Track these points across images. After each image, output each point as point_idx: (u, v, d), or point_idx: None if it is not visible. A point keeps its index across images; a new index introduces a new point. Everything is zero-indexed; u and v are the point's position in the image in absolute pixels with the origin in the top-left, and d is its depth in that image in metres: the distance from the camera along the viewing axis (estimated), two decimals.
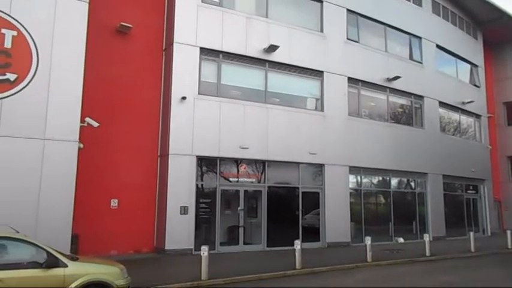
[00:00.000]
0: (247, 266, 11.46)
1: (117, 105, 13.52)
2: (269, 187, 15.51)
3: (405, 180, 20.16)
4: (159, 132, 14.43)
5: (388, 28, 20.01)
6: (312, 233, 16.08)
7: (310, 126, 16.49)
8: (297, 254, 11.10)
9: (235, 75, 15.78)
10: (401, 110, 20.57)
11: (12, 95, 10.72)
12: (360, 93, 18.57)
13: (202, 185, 14.41)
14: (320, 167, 16.71)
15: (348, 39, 18.22)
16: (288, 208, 16.00)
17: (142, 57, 14.43)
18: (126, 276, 7.17)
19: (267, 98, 15.96)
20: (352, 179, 17.75)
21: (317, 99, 17.34)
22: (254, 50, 15.64)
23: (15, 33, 10.85)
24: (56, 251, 6.71)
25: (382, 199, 19.25)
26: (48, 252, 6.51)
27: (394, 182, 19.51)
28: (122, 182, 13.36)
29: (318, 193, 16.56)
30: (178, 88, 14.01)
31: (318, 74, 17.23)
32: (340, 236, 16.39)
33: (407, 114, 20.64)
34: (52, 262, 6.45)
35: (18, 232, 6.80)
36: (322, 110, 17.14)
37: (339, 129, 17.22)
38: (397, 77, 19.09)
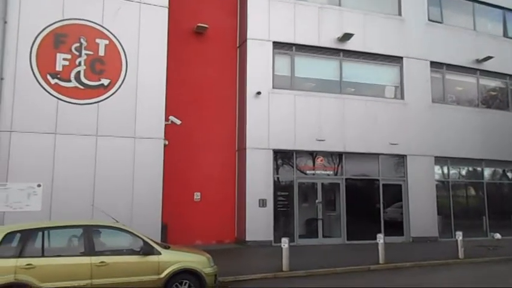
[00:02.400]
0: (327, 259, 11.36)
1: (196, 103, 14.20)
2: (347, 179, 15.15)
3: (500, 170, 18.28)
4: (236, 127, 14.86)
5: (476, 4, 18.22)
6: (395, 227, 15.39)
7: (389, 115, 15.73)
8: (380, 248, 10.72)
9: (309, 67, 15.62)
10: (494, 93, 18.66)
11: (106, 98, 11.84)
12: (445, 77, 17.22)
13: (279, 178, 14.57)
14: (402, 158, 15.88)
15: (429, 20, 16.97)
16: (367, 201, 15.49)
17: (218, 55, 14.93)
18: (212, 265, 7.54)
19: (343, 88, 15.56)
20: (437, 170, 16.59)
21: (396, 87, 16.46)
22: (327, 40, 15.32)
23: (107, 42, 11.94)
24: (151, 239, 7.29)
25: (473, 191, 17.72)
26: (144, 241, 7.10)
27: (487, 172, 17.78)
28: (204, 176, 14.04)
29: (400, 185, 15.76)
30: (252, 83, 14.28)
31: (396, 60, 16.34)
32: (426, 231, 15.44)
33: (502, 98, 18.65)
34: (148, 250, 7.01)
35: (117, 222, 7.51)
36: (402, 97, 16.24)
37: (421, 117, 16.17)
38: (488, 57, 17.32)
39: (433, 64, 16.74)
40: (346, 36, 15.20)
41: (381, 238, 10.80)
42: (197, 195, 14.03)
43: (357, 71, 16.03)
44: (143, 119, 12.08)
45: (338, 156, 15.30)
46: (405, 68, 16.29)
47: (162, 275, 6.93)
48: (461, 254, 11.65)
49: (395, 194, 15.72)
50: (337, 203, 15.05)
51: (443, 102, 16.96)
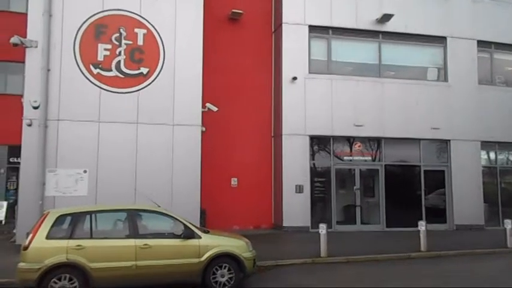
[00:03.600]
0: (366, 246, 11.21)
1: (232, 89, 14.24)
2: (386, 165, 14.76)
3: None
4: (272, 113, 14.81)
5: None
6: (437, 214, 14.88)
7: (431, 98, 15.08)
8: (422, 236, 10.42)
9: (346, 50, 15.21)
10: None
11: (145, 86, 12.14)
12: (493, 57, 16.22)
13: (315, 164, 14.43)
14: (445, 143, 15.24)
15: None
16: (408, 187, 15.04)
17: (253, 41, 14.84)
18: (251, 250, 7.63)
19: (382, 71, 15.05)
20: (484, 155, 15.79)
21: (439, 69, 15.71)
22: (365, 22, 14.81)
23: (145, 31, 12.18)
24: (191, 223, 7.47)
25: None
26: (184, 225, 7.28)
27: None
28: (240, 162, 14.16)
29: (443, 171, 15.16)
30: (288, 69, 14.12)
31: (439, 40, 15.56)
32: (470, 218, 14.81)
33: None
34: (189, 234, 7.19)
35: (159, 206, 7.74)
36: (445, 80, 15.50)
37: (466, 100, 15.37)
38: None
39: (480, 43, 15.80)
40: (386, 17, 14.62)
41: (422, 225, 10.50)
42: (234, 181, 14.19)
43: (397, 54, 15.44)
44: (181, 106, 12.30)
45: (376, 142, 14.91)
46: (449, 49, 15.49)
47: (203, 258, 7.09)
48: (510, 243, 11.10)
49: (438, 180, 15.16)
50: (376, 189, 14.74)
51: (490, 84, 16.02)
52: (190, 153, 12.26)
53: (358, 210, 14.35)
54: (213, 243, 7.29)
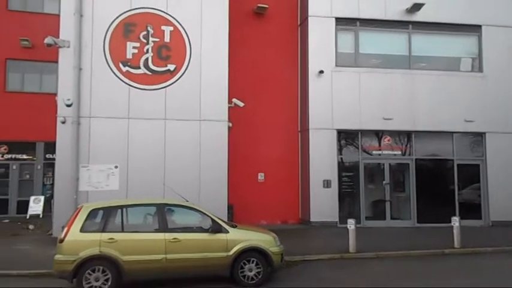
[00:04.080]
0: (396, 242, 10.96)
1: (258, 84, 14.21)
2: (417, 160, 14.35)
3: None
4: (298, 107, 14.69)
5: None
6: (471, 210, 14.34)
7: (465, 90, 14.51)
8: (455, 232, 10.08)
9: (374, 42, 14.85)
10: None
11: (172, 83, 12.30)
12: None
13: (343, 158, 14.22)
14: (480, 136, 14.66)
15: None
16: (440, 182, 14.57)
17: (279, 35, 14.73)
18: (279, 245, 7.62)
19: (412, 63, 14.62)
20: None
21: (473, 59, 15.08)
22: (394, 12, 14.40)
23: (171, 28, 12.33)
24: (218, 218, 7.54)
25: None
26: (212, 219, 7.36)
27: None
28: (267, 157, 14.15)
29: (478, 165, 14.60)
30: (314, 62, 13.94)
31: (474, 29, 14.92)
32: (509, 214, 14.14)
33: None
34: (216, 228, 7.26)
35: (187, 201, 7.85)
36: (480, 70, 14.87)
37: (504, 91, 14.68)
38: None
39: None
40: (416, 7, 14.15)
41: (456, 221, 10.16)
42: (261, 176, 14.21)
43: (428, 44, 14.93)
44: (208, 102, 12.40)
45: (406, 136, 14.52)
46: (484, 38, 14.83)
47: (231, 252, 7.15)
48: None
49: (472, 174, 14.61)
50: (406, 184, 14.38)
51: None
52: (217, 148, 12.36)
53: (387, 205, 14.05)
54: (240, 237, 7.33)
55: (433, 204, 14.00)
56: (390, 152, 14.54)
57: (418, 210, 14.03)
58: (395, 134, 14.48)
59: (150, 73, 12.13)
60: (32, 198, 15.62)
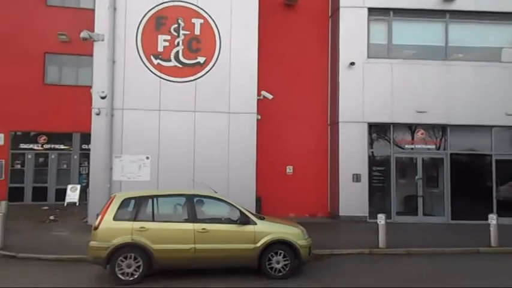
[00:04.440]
0: (429, 238, 10.66)
1: (287, 77, 14.10)
2: (452, 154, 13.84)
3: None
4: (328, 100, 14.48)
5: None
6: (509, 207, 13.69)
7: (506, 82, 13.80)
8: (492, 230, 9.67)
9: (409, 32, 14.36)
10: None
11: (202, 75, 12.43)
12: None
13: (373, 152, 13.93)
14: None
15: None
16: (476, 178, 13.99)
17: (309, 27, 14.53)
18: (307, 238, 7.58)
19: (448, 53, 14.04)
20: None
21: None
22: (430, 1, 13.84)
23: (202, 21, 12.42)
24: (247, 210, 7.57)
25: None
26: (240, 211, 7.40)
27: None
28: (296, 150, 14.07)
29: None
30: (346, 54, 13.68)
31: None
32: None
33: None
34: (244, 219, 7.31)
35: (216, 192, 7.94)
36: None
37: None
38: None
39: None
40: None
41: (493, 219, 9.75)
42: (289, 169, 14.16)
43: (466, 34, 14.30)
44: (237, 94, 12.44)
45: (441, 129, 14.02)
46: None
47: (258, 244, 7.17)
48: None
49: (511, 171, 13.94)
50: (440, 179, 13.91)
51: None
52: (246, 141, 12.41)
53: (420, 201, 13.66)
54: (268, 229, 7.34)
55: (468, 201, 13.46)
56: (423, 146, 14.09)
57: (453, 206, 13.56)
58: (429, 127, 14.01)
59: (180, 66, 12.30)
60: (69, 186, 16.32)
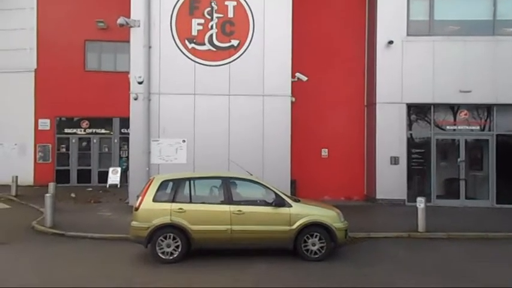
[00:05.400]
0: (471, 223, 10.28)
1: (322, 57, 13.80)
2: (498, 136, 13.14)
3: None
4: (365, 81, 14.07)
5: None
6: None
7: None
8: None
9: (452, 7, 13.57)
10: None
11: (236, 59, 12.40)
12: None
13: (412, 134, 13.47)
14: None
15: None
16: None
17: (345, 5, 14.09)
18: (343, 220, 7.51)
19: (496, 28, 13.17)
20: None
21: None
22: None
23: (235, 3, 12.33)
24: (282, 192, 7.59)
25: None
26: (276, 193, 7.43)
27: None
28: (331, 132, 13.87)
29: None
30: (383, 32, 13.17)
31: None
32: None
33: None
34: (280, 202, 7.33)
35: (251, 175, 7.99)
36: None
37: None
38: None
39: None
40: None
41: None
42: (324, 152, 14.01)
43: None
44: (271, 77, 12.34)
45: (486, 109, 13.30)
46: None
47: (294, 226, 7.20)
48: None
49: None
50: (485, 161, 13.29)
51: None
52: (280, 123, 12.35)
53: (462, 184, 13.12)
54: (303, 212, 7.34)
55: None
56: (467, 127, 13.45)
57: (498, 189, 12.96)
58: (474, 107, 13.32)
59: (214, 49, 12.32)
60: (111, 169, 17.02)
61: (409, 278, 6.36)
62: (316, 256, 7.20)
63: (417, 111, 13.54)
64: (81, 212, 11.38)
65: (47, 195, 9.76)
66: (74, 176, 17.68)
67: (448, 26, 13.56)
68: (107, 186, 16.51)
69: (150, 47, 12.14)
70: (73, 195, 13.96)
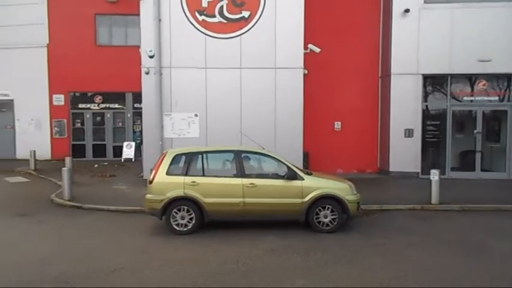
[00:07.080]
0: (486, 195, 10.18)
1: (335, 28, 13.44)
2: None
3: None
4: (380, 51, 13.71)
5: None
6: None
7: None
8: None
9: None
10: None
11: (247, 31, 12.17)
12: None
13: (427, 106, 13.20)
14: None
15: None
16: None
17: None
18: (355, 193, 7.52)
19: None
20: None
21: None
22: None
23: None
24: (294, 165, 7.60)
25: None
26: (288, 166, 7.45)
27: None
28: (344, 105, 13.69)
29: None
30: (400, 0, 12.66)
31: None
32: None
33: None
34: (292, 175, 7.35)
35: (263, 148, 8.00)
36: None
37: None
38: None
39: None
40: None
41: None
42: (337, 125, 13.88)
43: None
44: (282, 48, 12.12)
45: (507, 79, 12.90)
46: None
47: (306, 199, 7.24)
48: None
49: None
50: (503, 133, 13.02)
51: None
52: (293, 96, 12.22)
53: (478, 156, 12.93)
54: (315, 184, 7.36)
55: None
56: (485, 98, 13.11)
57: None
58: (493, 77, 12.93)
59: (225, 21, 12.10)
60: (125, 144, 17.25)
61: (422, 248, 6.39)
62: (328, 228, 7.27)
63: (433, 83, 13.22)
64: (98, 186, 11.65)
65: (64, 168, 9.99)
66: (89, 150, 18.01)
67: None
68: (122, 160, 16.79)
69: (160, 20, 11.99)
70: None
